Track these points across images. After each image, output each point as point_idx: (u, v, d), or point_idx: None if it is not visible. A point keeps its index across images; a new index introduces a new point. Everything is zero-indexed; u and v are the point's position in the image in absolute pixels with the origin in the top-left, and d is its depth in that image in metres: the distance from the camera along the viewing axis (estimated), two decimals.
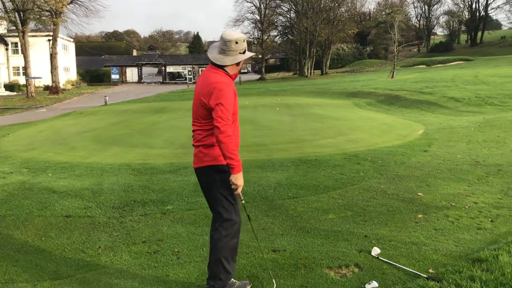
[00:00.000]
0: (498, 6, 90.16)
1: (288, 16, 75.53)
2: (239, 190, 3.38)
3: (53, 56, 46.26)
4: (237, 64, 3.50)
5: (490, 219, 5.20)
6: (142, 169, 8.44)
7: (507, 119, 13.24)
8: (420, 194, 6.26)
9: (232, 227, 3.53)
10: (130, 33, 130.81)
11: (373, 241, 4.62)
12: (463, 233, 4.80)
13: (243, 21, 73.56)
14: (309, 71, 67.88)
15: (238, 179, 3.33)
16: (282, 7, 74.84)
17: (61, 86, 49.42)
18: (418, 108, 20.06)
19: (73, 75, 64.24)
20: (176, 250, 4.56)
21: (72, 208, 6.07)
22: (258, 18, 72.63)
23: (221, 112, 3.25)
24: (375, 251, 4.34)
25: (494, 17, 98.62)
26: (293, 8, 72.87)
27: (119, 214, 5.81)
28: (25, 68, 42.93)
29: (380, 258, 4.23)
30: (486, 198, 6.01)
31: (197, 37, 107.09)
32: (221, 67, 3.45)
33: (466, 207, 5.66)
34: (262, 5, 73.31)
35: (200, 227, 5.25)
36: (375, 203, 5.91)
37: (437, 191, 6.37)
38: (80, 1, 47.59)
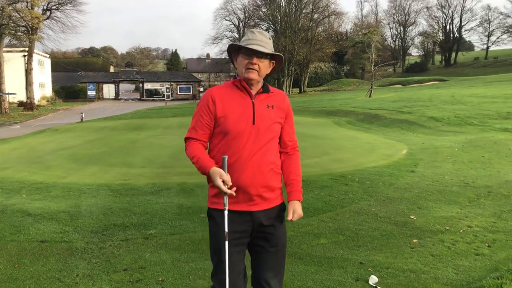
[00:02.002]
0: (472, 28, 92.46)
1: None
2: (223, 188, 2.57)
3: (28, 72, 45.38)
4: (239, 62, 2.74)
5: (487, 244, 5.04)
6: (122, 190, 8.09)
7: (489, 139, 13.29)
8: (412, 217, 6.08)
9: None
10: (107, 50, 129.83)
11: (369, 269, 4.40)
12: (462, 260, 4.62)
13: (221, 39, 73.82)
14: (287, 89, 68.23)
15: (211, 179, 2.63)
16: (261, 26, 75.31)
17: (36, 102, 48.43)
18: (398, 127, 20.12)
19: (48, 91, 63.10)
20: (160, 278, 4.26)
21: (47, 232, 5.70)
22: (237, 36, 72.91)
23: None
24: (373, 279, 4.12)
25: (468, 39, 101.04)
26: (271, 27, 73.46)
27: (98, 239, 5.47)
28: None
29: (378, 287, 4.00)
30: (480, 221, 5.86)
31: (175, 54, 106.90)
32: None
33: (461, 231, 5.50)
34: (240, 24, 73.87)
35: (186, 253, 4.95)
36: (368, 227, 5.70)
37: (430, 214, 6.20)
38: (57, 17, 47.06)
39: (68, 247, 5.20)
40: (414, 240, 5.20)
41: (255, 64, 2.65)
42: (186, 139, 2.79)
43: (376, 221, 5.94)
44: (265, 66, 2.71)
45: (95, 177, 9.51)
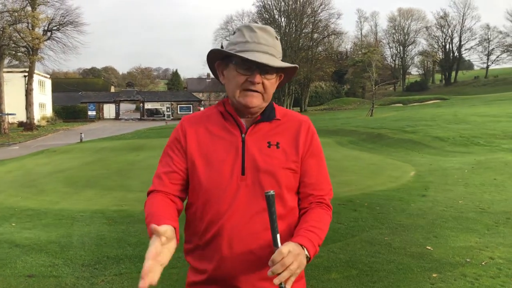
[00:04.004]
0: (471, 47, 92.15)
1: None
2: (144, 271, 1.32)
3: (28, 92, 45.27)
4: (229, 77, 1.75)
5: None
6: (118, 217, 7.65)
7: (500, 160, 12.87)
8: (429, 247, 5.64)
9: None
10: (108, 70, 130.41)
11: None
12: None
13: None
14: (288, 108, 68.13)
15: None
16: None
17: (36, 122, 48.19)
18: (403, 147, 19.70)
19: (48, 112, 62.95)
20: None
21: (36, 265, 5.27)
22: None
23: None
24: None
25: (467, 58, 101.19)
26: None
27: (89, 273, 5.03)
28: None
29: None
30: (502, 252, 5.41)
31: (175, 74, 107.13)
32: None
33: (483, 263, 5.05)
34: None
35: None
36: (382, 259, 5.26)
37: (447, 244, 5.76)
38: (57, 38, 47.04)
39: (57, 282, 4.78)
40: (434, 275, 4.76)
41: (259, 83, 1.66)
42: (148, 195, 1.77)
43: (391, 253, 5.50)
44: (272, 85, 1.72)
45: (90, 202, 9.09)
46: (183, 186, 1.74)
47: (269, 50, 1.67)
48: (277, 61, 1.68)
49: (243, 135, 1.71)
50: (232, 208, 1.64)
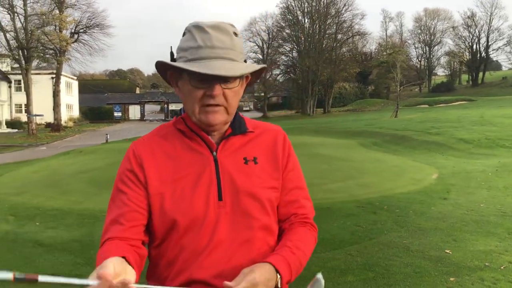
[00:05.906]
0: (499, 48, 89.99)
1: (291, 55, 76.19)
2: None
3: (55, 94, 46.22)
4: (185, 92, 1.45)
5: None
6: None
7: None
8: (448, 251, 5.59)
9: None
10: (134, 72, 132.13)
11: None
12: None
13: (245, 61, 73.88)
14: (311, 109, 67.93)
15: None
16: (285, 46, 75.64)
17: (63, 123, 49.18)
18: (427, 149, 19.44)
19: (75, 113, 64.22)
20: None
21: (58, 264, 5.42)
22: (261, 57, 73.18)
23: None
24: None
25: (495, 58, 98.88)
26: (295, 48, 73.64)
27: None
28: (27, 105, 42.78)
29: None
30: None
31: None
32: None
33: (502, 267, 4.99)
34: (264, 45, 74.18)
35: None
36: (399, 262, 5.24)
37: (466, 248, 5.70)
38: (84, 40, 47.94)
39: None
40: (451, 279, 4.73)
41: (218, 95, 1.38)
42: (102, 245, 1.38)
43: (409, 256, 5.47)
44: (236, 93, 1.44)
45: None
46: (145, 227, 1.42)
47: (226, 54, 1.38)
48: (238, 67, 1.39)
49: (214, 153, 1.44)
50: (211, 244, 1.37)
